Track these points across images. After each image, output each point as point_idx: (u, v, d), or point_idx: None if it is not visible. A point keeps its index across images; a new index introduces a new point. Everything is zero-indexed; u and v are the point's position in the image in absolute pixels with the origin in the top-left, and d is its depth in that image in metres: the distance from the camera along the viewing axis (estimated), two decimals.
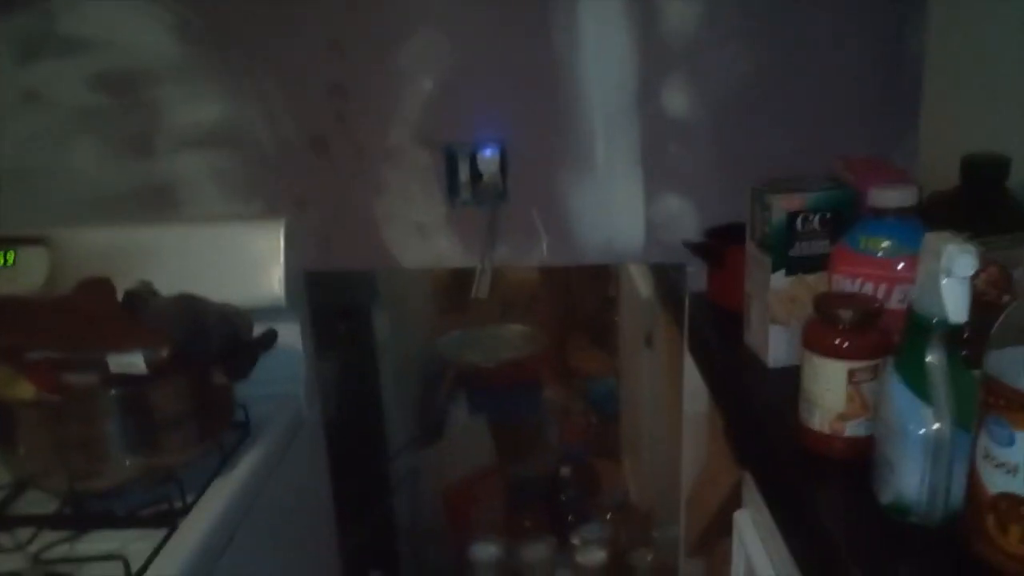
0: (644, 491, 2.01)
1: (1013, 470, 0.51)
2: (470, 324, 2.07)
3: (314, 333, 1.39)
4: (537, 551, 1.79)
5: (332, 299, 1.50)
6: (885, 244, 0.83)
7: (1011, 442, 0.51)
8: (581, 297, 2.27)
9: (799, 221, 0.96)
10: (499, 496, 1.93)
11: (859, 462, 0.75)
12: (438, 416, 1.91)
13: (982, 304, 0.69)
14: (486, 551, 1.78)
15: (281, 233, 1.25)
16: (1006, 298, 0.75)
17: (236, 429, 1.15)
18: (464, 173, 1.33)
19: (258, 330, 1.15)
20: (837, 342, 0.78)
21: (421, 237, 1.36)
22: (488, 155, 1.32)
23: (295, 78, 1.30)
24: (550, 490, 2.09)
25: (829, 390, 0.79)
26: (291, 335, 1.29)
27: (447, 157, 1.33)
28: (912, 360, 0.68)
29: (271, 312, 1.23)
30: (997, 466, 0.53)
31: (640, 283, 1.87)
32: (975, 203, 0.93)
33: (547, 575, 1.77)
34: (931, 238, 0.67)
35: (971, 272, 0.63)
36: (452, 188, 1.34)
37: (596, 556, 1.80)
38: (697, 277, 1.35)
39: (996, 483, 0.53)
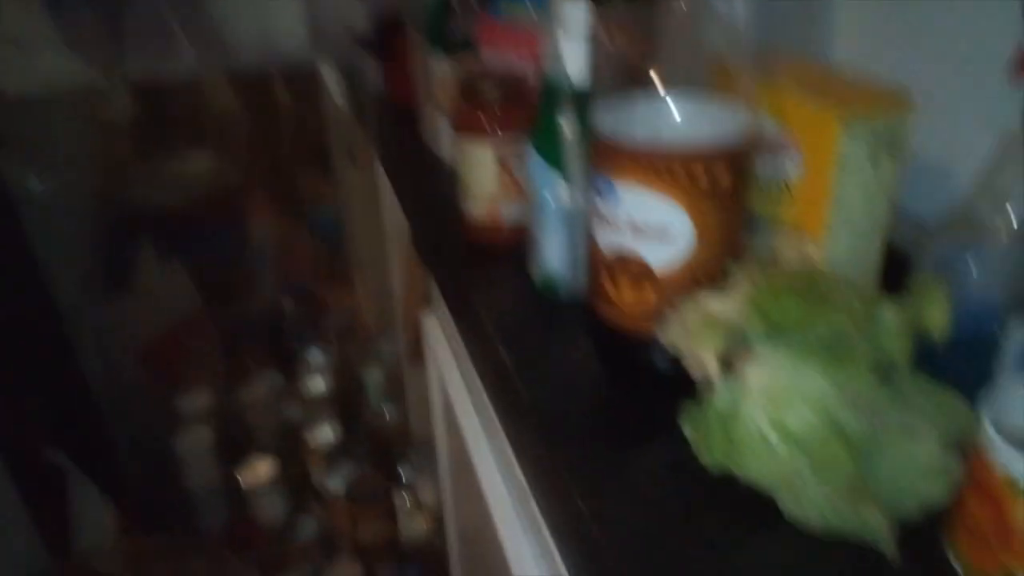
0: (370, 311, 1.99)
1: (616, 224, 0.50)
2: (144, 158, 1.79)
3: None
4: (256, 391, 1.72)
5: None
6: (526, 13, 0.78)
7: (614, 196, 0.49)
8: (275, 115, 2.06)
9: None
10: (211, 342, 1.80)
11: (522, 248, 0.73)
12: (119, 267, 1.68)
13: (629, 68, 0.67)
14: (195, 401, 1.67)
15: None
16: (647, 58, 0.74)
17: None
18: None
19: None
20: (483, 123, 0.73)
21: (21, 54, 1.08)
22: None
23: None
24: (272, 326, 1.99)
25: (481, 174, 0.75)
26: None
27: None
28: (545, 129, 0.64)
29: None
30: (605, 223, 0.51)
31: (336, 91, 1.71)
32: None
33: (272, 412, 1.72)
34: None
35: (585, 29, 0.58)
36: None
37: (321, 383, 1.77)
38: (378, 77, 1.24)
39: (607, 239, 0.51)
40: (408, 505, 1.50)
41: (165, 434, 1.61)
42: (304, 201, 2.18)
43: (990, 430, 0.37)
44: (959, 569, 0.40)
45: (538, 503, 0.62)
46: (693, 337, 0.47)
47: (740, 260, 0.51)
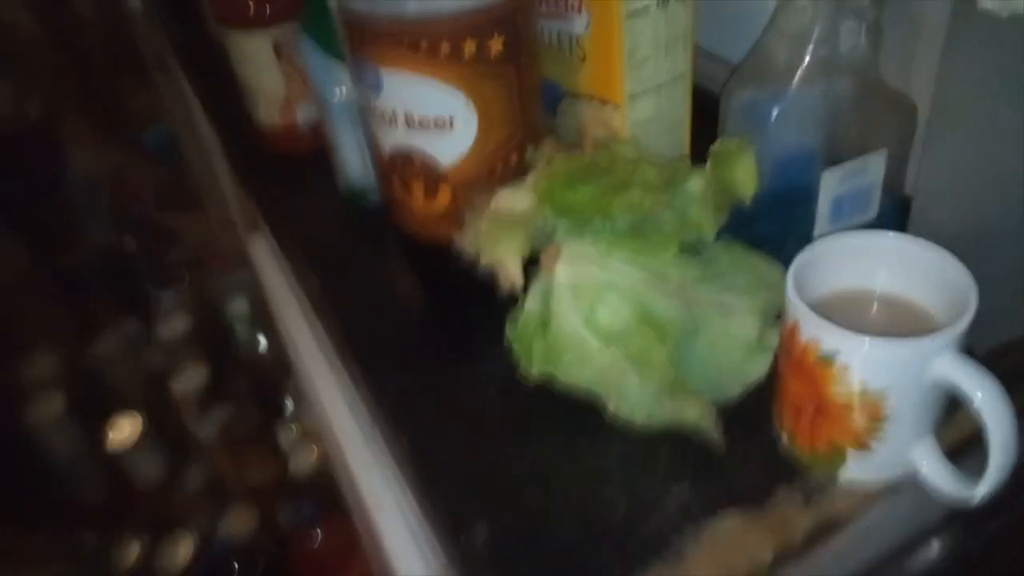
0: (225, 236, 1.85)
1: (392, 120, 0.43)
2: None
3: None
4: (108, 344, 1.58)
5: None
6: None
7: (379, 86, 0.42)
8: (76, 27, 1.80)
9: None
10: (48, 296, 1.63)
11: (323, 153, 0.64)
12: None
13: None
14: (40, 366, 1.52)
15: None
16: None
17: None
18: None
19: None
20: (251, 7, 0.62)
21: None
22: None
23: None
24: (116, 269, 1.82)
25: (262, 73, 0.65)
26: None
27: None
28: (316, 11, 0.55)
29: None
30: (380, 119, 0.43)
31: None
32: None
33: (131, 364, 1.59)
34: None
35: None
36: None
37: (180, 323, 1.65)
38: None
39: (386, 138, 0.44)
40: (294, 438, 1.45)
41: (13, 408, 1.47)
42: (131, 121, 1.96)
43: (795, 299, 0.34)
44: (787, 446, 0.38)
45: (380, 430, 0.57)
46: (492, 241, 0.41)
47: (540, 143, 0.45)
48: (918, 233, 0.44)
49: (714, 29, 0.55)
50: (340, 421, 0.65)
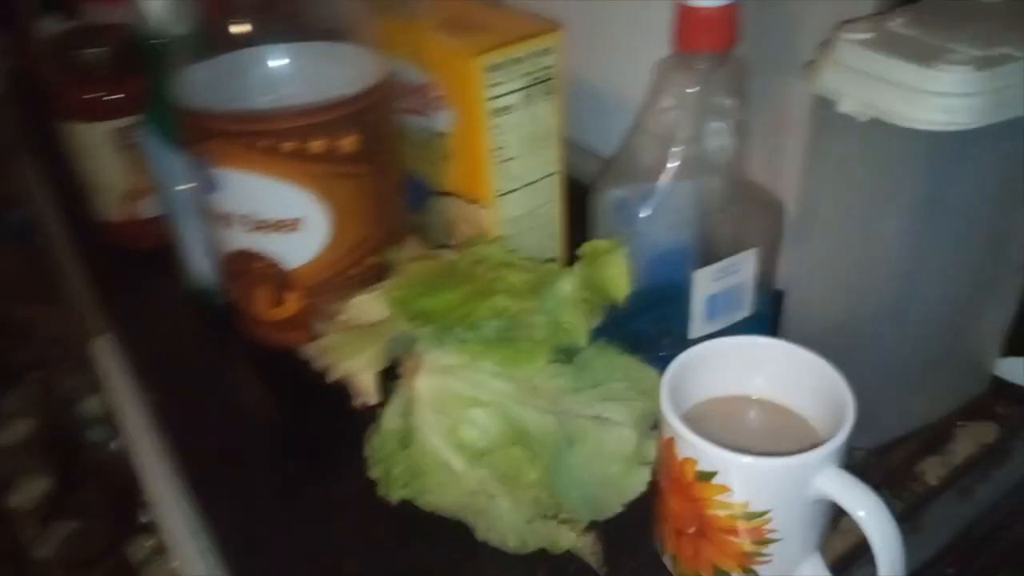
0: (83, 329, 1.70)
1: (229, 221, 0.38)
2: None
3: None
4: None
5: None
6: None
7: (218, 186, 0.38)
8: None
9: None
10: None
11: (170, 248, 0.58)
12: None
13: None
14: None
15: None
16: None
17: None
18: None
19: None
20: (87, 96, 0.57)
21: None
22: None
23: None
24: None
25: (102, 166, 0.59)
26: None
27: None
28: (156, 98, 0.50)
29: None
30: (220, 220, 0.39)
31: None
32: None
33: None
34: None
35: None
36: None
37: (24, 427, 1.48)
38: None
39: (224, 240, 0.40)
40: (149, 552, 1.30)
41: None
42: None
43: (670, 414, 0.31)
44: (670, 567, 0.35)
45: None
46: (344, 353, 0.37)
47: (399, 242, 0.42)
48: (792, 329, 0.43)
49: (587, 123, 0.55)
50: (185, 553, 0.57)
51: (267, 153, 0.36)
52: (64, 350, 1.73)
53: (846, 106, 0.34)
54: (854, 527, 0.36)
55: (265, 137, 0.35)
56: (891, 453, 0.39)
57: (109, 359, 0.82)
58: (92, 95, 0.57)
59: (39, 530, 1.34)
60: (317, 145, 0.36)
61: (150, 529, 1.36)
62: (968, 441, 0.40)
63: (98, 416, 1.56)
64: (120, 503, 1.39)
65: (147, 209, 0.61)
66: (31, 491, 1.39)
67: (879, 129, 0.33)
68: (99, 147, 0.58)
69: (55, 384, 1.62)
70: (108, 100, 0.57)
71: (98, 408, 1.57)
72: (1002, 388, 0.43)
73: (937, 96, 0.31)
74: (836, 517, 0.33)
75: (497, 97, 0.42)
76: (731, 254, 0.42)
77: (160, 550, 1.31)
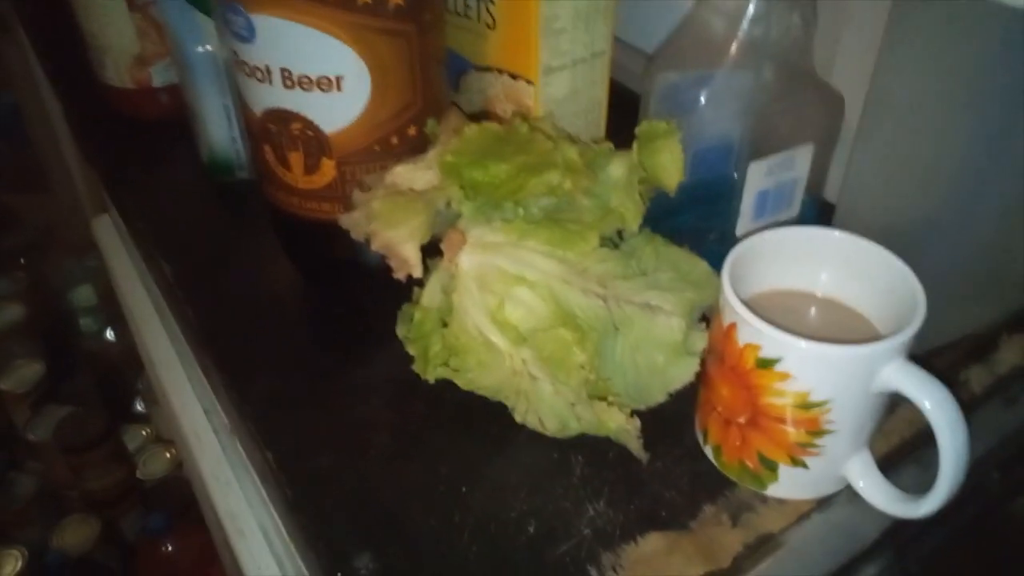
0: (72, 217, 1.65)
1: (265, 76, 0.36)
2: None
3: None
4: None
5: None
6: None
7: (253, 36, 0.35)
8: None
9: None
10: None
11: (180, 119, 0.55)
12: None
13: None
14: None
15: None
16: None
17: None
18: None
19: None
20: None
21: None
22: None
23: None
24: None
25: (112, 26, 0.55)
26: None
27: None
28: None
29: None
30: (252, 76, 0.36)
31: None
32: None
33: None
34: None
35: None
36: None
37: (14, 312, 1.46)
38: None
39: (259, 98, 0.37)
40: (144, 441, 1.31)
41: None
42: None
43: (733, 299, 0.30)
44: (712, 459, 0.35)
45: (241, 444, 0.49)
46: (385, 223, 0.35)
47: (441, 115, 0.39)
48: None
49: (629, 18, 0.51)
50: (195, 431, 0.57)
51: None
52: (54, 239, 1.70)
53: None
54: (897, 428, 0.36)
55: None
56: (935, 360, 0.39)
57: (111, 238, 0.80)
58: None
59: (31, 414, 1.34)
60: None
61: (147, 419, 1.36)
62: (1014, 351, 0.39)
63: (91, 305, 1.54)
64: (115, 392, 1.39)
65: (158, 75, 0.57)
66: (23, 376, 1.38)
67: (973, 9, 0.31)
68: (106, 5, 0.54)
69: (45, 272, 1.60)
70: None
71: (91, 297, 1.55)
72: None
73: None
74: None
75: None
76: (786, 148, 0.40)
77: (155, 440, 1.32)
